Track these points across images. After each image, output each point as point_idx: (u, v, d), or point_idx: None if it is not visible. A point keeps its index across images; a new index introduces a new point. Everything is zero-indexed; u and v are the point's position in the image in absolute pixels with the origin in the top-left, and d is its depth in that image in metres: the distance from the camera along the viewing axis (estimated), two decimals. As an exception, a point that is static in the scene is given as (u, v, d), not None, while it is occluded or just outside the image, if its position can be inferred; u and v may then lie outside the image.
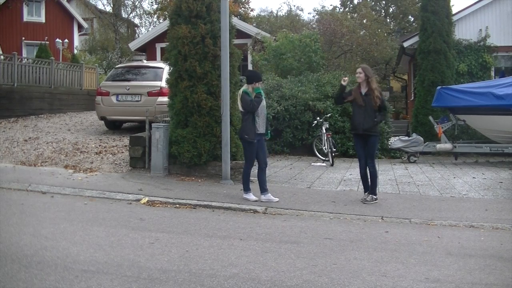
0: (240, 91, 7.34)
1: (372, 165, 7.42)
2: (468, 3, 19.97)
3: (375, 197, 7.46)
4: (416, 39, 16.28)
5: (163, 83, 10.79)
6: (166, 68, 10.54)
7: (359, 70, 7.54)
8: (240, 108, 7.34)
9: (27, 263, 4.22)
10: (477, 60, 16.05)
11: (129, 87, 11.61)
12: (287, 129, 13.22)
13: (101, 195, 7.33)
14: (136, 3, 31.74)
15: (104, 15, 31.92)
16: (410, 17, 37.41)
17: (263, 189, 7.36)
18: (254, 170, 10.15)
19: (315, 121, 12.54)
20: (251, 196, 7.31)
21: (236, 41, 9.63)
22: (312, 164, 11.65)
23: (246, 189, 7.40)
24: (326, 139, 11.83)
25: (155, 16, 32.82)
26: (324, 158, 11.97)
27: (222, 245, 5.05)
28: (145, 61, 14.77)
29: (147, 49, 20.20)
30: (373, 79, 7.44)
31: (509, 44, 16.17)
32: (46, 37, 25.94)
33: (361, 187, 8.64)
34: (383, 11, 37.98)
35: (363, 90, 7.44)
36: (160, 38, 18.21)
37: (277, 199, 7.29)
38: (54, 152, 10.07)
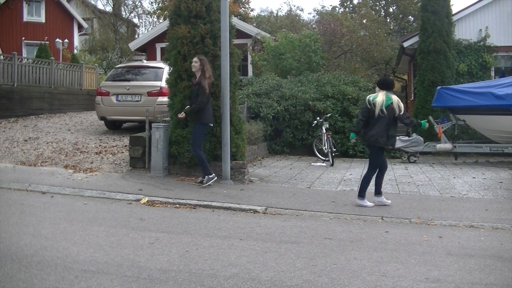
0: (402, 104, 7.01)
1: (193, 150, 8.04)
2: (468, 3, 19.97)
3: (210, 176, 7.97)
4: (416, 39, 16.30)
5: (163, 83, 10.78)
6: (166, 68, 10.54)
7: (195, 59, 7.94)
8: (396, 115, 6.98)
9: (27, 263, 4.21)
10: (477, 60, 16.06)
11: (129, 87, 11.61)
12: (287, 129, 13.23)
13: (101, 195, 7.33)
14: (137, 3, 31.79)
15: (104, 15, 31.91)
16: (410, 17, 37.42)
17: (378, 192, 7.24)
18: (256, 170, 10.17)
19: (315, 121, 12.55)
20: (367, 203, 7.08)
21: (236, 41, 9.62)
22: (312, 164, 11.65)
23: (364, 195, 7.14)
24: (326, 139, 11.84)
25: (155, 16, 32.86)
26: (324, 158, 11.97)
27: (222, 245, 5.05)
28: (145, 61, 14.75)
29: (147, 49, 20.21)
30: (207, 67, 7.91)
31: (509, 44, 16.19)
32: (46, 37, 25.93)
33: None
34: (383, 11, 37.99)
35: (195, 80, 7.97)
36: (160, 38, 18.21)
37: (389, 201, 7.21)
38: (54, 152, 10.07)
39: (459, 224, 6.27)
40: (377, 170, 7.21)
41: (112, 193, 7.36)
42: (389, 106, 6.91)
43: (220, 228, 5.80)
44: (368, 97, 7.17)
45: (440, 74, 14.86)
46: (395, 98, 7.01)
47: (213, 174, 8.06)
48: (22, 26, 26.99)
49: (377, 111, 6.91)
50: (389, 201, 7.24)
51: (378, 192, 7.28)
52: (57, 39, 24.96)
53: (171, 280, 3.95)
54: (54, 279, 3.89)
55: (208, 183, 7.92)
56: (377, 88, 7.26)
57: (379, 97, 6.99)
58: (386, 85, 7.19)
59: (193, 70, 8.01)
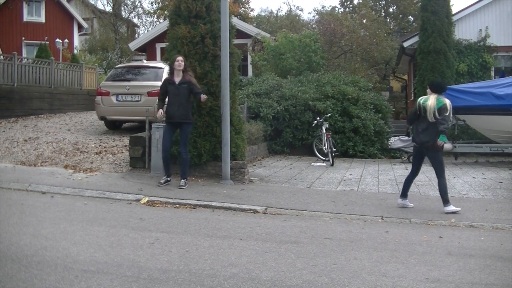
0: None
1: (184, 152, 7.88)
2: (468, 3, 19.97)
3: (185, 181, 7.90)
4: (416, 39, 16.30)
5: (163, 83, 10.78)
6: (166, 68, 10.53)
7: (180, 58, 7.91)
8: (450, 118, 6.94)
9: (27, 263, 4.21)
10: (477, 60, 16.06)
11: (129, 87, 11.60)
12: (287, 129, 13.23)
13: (101, 195, 7.33)
14: (136, 3, 31.80)
15: (104, 15, 31.92)
16: (410, 17, 37.43)
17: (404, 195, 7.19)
18: (256, 170, 10.17)
19: (315, 121, 12.55)
20: (453, 207, 6.86)
21: (236, 41, 9.62)
22: (312, 164, 11.65)
23: (448, 201, 6.92)
24: (326, 139, 11.84)
25: (155, 16, 32.87)
26: (324, 158, 11.98)
27: (222, 245, 5.05)
28: (145, 61, 14.75)
29: (147, 49, 20.22)
30: (188, 68, 8.00)
31: (509, 44, 16.20)
32: (46, 37, 25.92)
33: (362, 187, 8.66)
34: (383, 11, 38.01)
35: (177, 79, 7.87)
36: (160, 38, 18.23)
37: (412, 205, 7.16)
38: (54, 152, 10.07)
39: (459, 224, 6.27)
40: (415, 172, 7.24)
41: (112, 193, 7.36)
42: (440, 108, 6.76)
43: (220, 228, 5.81)
44: (419, 99, 7.03)
45: (440, 74, 14.85)
46: (447, 101, 6.85)
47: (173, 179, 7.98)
48: (22, 26, 26.97)
49: (429, 115, 6.77)
50: (412, 205, 7.16)
51: (404, 194, 7.23)
52: (57, 39, 24.94)
53: (171, 280, 3.96)
54: (54, 279, 3.89)
55: (185, 186, 7.83)
56: (428, 91, 7.11)
57: (430, 100, 6.84)
58: (439, 89, 7.02)
59: (177, 68, 7.84)
